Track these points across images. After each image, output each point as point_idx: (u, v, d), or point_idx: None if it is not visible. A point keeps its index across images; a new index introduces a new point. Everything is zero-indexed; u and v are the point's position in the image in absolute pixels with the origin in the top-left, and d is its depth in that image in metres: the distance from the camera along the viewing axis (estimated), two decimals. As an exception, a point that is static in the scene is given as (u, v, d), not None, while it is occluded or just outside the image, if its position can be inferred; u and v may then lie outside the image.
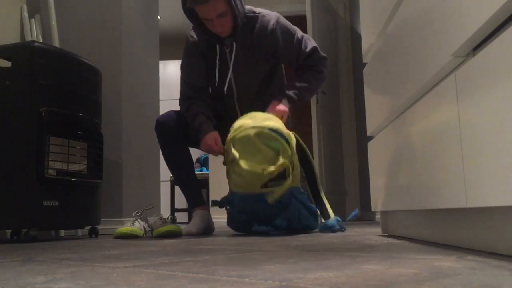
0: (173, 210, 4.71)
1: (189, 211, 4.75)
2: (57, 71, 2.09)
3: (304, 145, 1.97)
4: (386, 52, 1.37)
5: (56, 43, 2.71)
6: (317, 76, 2.11)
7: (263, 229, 1.79)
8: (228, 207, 1.92)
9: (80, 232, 2.57)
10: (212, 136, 1.94)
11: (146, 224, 2.12)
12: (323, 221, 1.95)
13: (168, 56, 5.70)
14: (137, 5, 3.10)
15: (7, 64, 2.02)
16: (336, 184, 4.20)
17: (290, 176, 1.73)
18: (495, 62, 0.69)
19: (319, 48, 2.12)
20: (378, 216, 2.39)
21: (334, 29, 4.62)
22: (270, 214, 1.78)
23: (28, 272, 0.78)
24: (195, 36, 2.11)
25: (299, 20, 4.65)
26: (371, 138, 1.67)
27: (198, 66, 2.10)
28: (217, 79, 2.07)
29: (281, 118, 1.93)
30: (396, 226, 1.51)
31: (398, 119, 1.25)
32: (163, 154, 2.14)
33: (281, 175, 1.73)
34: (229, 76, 2.06)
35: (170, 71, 5.90)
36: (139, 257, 1.01)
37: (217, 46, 2.04)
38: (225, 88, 2.06)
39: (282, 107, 1.99)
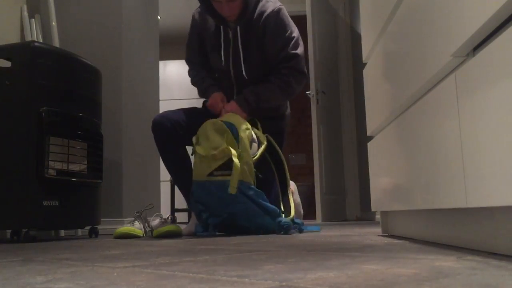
0: (173, 210, 4.70)
1: (189, 211, 4.75)
2: (57, 71, 2.09)
3: (277, 147, 2.02)
4: (386, 52, 1.37)
5: (56, 43, 2.71)
6: (285, 88, 2.05)
7: (199, 230, 1.83)
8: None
9: (80, 232, 2.57)
10: (221, 95, 2.04)
11: (146, 224, 2.12)
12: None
13: (168, 56, 5.70)
14: (137, 5, 3.10)
15: (7, 64, 2.02)
16: (336, 184, 4.20)
17: (238, 168, 1.76)
18: (495, 62, 0.69)
19: (302, 58, 2.06)
20: (378, 216, 2.39)
21: (334, 29, 4.62)
22: (218, 206, 1.80)
23: (28, 272, 0.78)
24: (197, 17, 2.16)
25: (299, 20, 4.66)
26: (371, 138, 1.67)
27: (195, 47, 2.20)
28: (223, 59, 2.09)
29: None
30: (396, 226, 1.51)
31: (398, 119, 1.25)
32: (161, 154, 2.14)
33: (227, 166, 1.78)
34: (230, 58, 2.08)
35: (170, 71, 5.90)
36: (139, 257, 1.01)
37: (221, 27, 2.06)
38: (229, 69, 2.09)
39: (236, 108, 2.01)
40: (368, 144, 1.69)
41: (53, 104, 2.02)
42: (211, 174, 1.80)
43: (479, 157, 0.75)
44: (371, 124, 1.62)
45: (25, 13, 2.70)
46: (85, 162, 2.17)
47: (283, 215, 1.92)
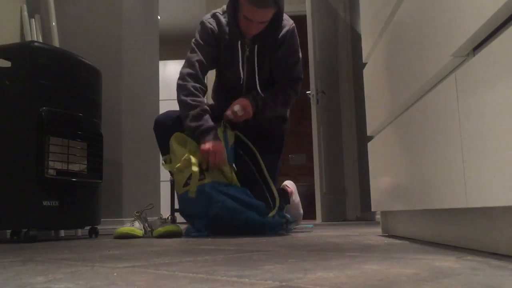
0: (173, 210, 4.69)
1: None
2: (57, 71, 2.09)
3: (246, 140, 2.05)
4: (386, 52, 1.37)
5: (56, 43, 2.71)
6: (284, 105, 2.10)
7: (192, 232, 1.85)
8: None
9: (80, 232, 2.56)
10: (220, 149, 1.86)
11: (146, 224, 2.12)
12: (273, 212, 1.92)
13: (168, 56, 5.69)
14: (137, 5, 3.10)
15: (7, 64, 2.02)
16: (336, 184, 4.20)
17: (196, 174, 1.82)
18: (495, 62, 0.69)
19: (300, 82, 2.12)
20: (378, 216, 2.39)
21: (334, 29, 4.62)
22: (200, 213, 1.84)
23: (28, 272, 0.78)
24: (214, 25, 2.04)
25: (299, 20, 4.66)
26: (371, 138, 1.67)
27: (211, 53, 2.04)
28: (241, 75, 2.04)
29: (241, 111, 1.95)
30: (396, 226, 1.51)
31: (398, 119, 1.25)
32: (162, 153, 2.15)
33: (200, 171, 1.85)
34: (245, 73, 2.06)
35: (170, 71, 5.90)
36: (139, 257, 1.01)
37: (239, 42, 2.01)
38: (244, 83, 2.07)
39: (249, 105, 1.98)
40: (368, 144, 1.69)
41: (53, 104, 2.02)
42: (186, 184, 1.85)
43: (479, 157, 0.75)
44: (371, 124, 1.62)
45: (25, 13, 2.70)
46: (85, 162, 2.16)
47: (273, 208, 1.90)
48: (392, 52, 1.29)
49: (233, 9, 1.96)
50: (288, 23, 2.04)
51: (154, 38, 3.39)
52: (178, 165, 1.86)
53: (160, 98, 3.46)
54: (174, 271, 0.73)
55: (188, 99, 1.93)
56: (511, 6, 0.66)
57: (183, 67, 2.04)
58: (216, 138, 1.88)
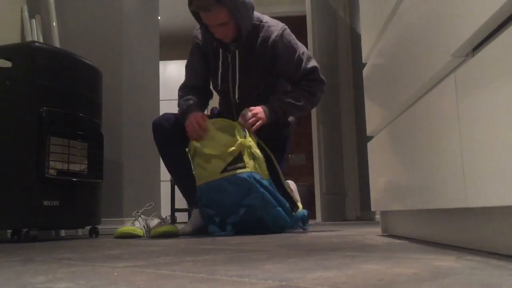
0: (173, 210, 4.70)
1: (189, 211, 4.74)
2: (57, 71, 2.09)
3: (263, 144, 2.01)
4: (386, 52, 1.37)
5: (56, 43, 2.71)
6: (309, 97, 2.04)
7: (215, 230, 1.83)
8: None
9: (80, 232, 2.57)
10: (198, 115, 1.90)
11: (145, 224, 2.12)
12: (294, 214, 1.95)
13: (168, 56, 5.69)
14: (137, 5, 3.10)
15: (7, 64, 2.02)
16: (336, 184, 4.20)
17: (248, 160, 1.80)
18: (494, 62, 0.69)
19: (319, 69, 2.06)
20: (377, 216, 2.39)
21: (334, 29, 4.62)
22: (234, 203, 1.80)
23: (29, 272, 0.78)
24: (199, 37, 2.10)
25: (299, 20, 4.66)
26: (371, 138, 1.67)
27: (197, 67, 2.12)
28: (219, 82, 2.07)
29: (254, 122, 1.90)
30: (396, 226, 1.51)
31: (398, 119, 1.25)
32: (161, 155, 2.16)
33: (238, 159, 1.81)
34: (229, 81, 2.05)
35: (170, 71, 5.90)
36: (139, 257, 1.01)
37: (220, 50, 2.04)
38: (228, 91, 2.06)
39: (261, 112, 1.94)
40: (368, 144, 1.69)
41: (53, 104, 2.02)
42: (224, 170, 1.81)
43: (479, 157, 0.75)
44: (371, 124, 1.63)
45: (26, 13, 2.70)
46: (86, 162, 2.17)
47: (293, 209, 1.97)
48: (392, 52, 1.29)
49: (198, 20, 1.98)
50: (276, 28, 2.01)
51: (154, 38, 3.39)
52: (233, 149, 1.80)
53: (160, 98, 3.46)
54: (174, 271, 0.73)
55: (180, 101, 2.06)
56: (511, 6, 0.66)
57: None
58: (192, 112, 1.94)
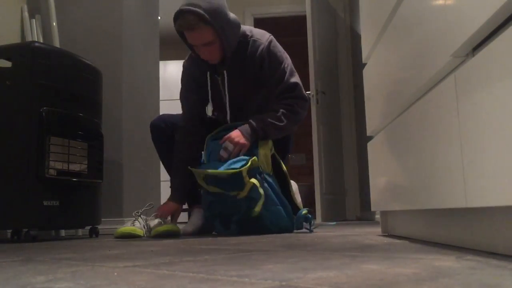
0: (173, 210, 4.70)
1: (189, 211, 4.74)
2: (57, 71, 2.09)
3: (274, 152, 2.00)
4: (386, 52, 1.37)
5: (56, 43, 2.71)
6: (292, 117, 1.97)
7: (220, 230, 1.83)
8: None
9: (80, 232, 2.57)
10: (170, 207, 2.01)
11: (145, 224, 2.12)
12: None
13: (168, 56, 5.69)
14: (137, 5, 3.10)
15: (7, 64, 2.02)
16: (336, 184, 4.20)
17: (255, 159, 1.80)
18: (494, 62, 0.69)
19: (301, 86, 2.02)
20: (377, 216, 2.39)
21: (334, 29, 4.63)
22: (234, 196, 1.78)
23: (29, 272, 0.78)
24: (188, 66, 2.09)
25: (299, 20, 4.66)
26: (371, 138, 1.67)
27: (194, 98, 2.09)
28: (212, 108, 2.09)
29: (237, 152, 1.86)
30: (396, 226, 1.51)
31: (398, 119, 1.25)
32: (159, 156, 2.18)
33: (246, 153, 1.83)
34: (225, 102, 2.03)
35: (170, 71, 5.90)
36: (139, 256, 1.01)
37: (208, 73, 2.01)
38: (223, 115, 2.05)
39: (240, 137, 1.87)
40: (368, 144, 1.69)
41: (53, 104, 2.02)
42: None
43: (479, 157, 0.75)
44: (371, 124, 1.63)
45: (26, 13, 2.70)
46: (86, 162, 2.17)
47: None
48: (392, 52, 1.29)
49: (185, 41, 1.94)
50: (262, 39, 1.97)
51: (154, 38, 3.39)
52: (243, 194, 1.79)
53: (160, 98, 3.46)
54: (174, 271, 0.73)
55: (176, 154, 2.07)
56: (511, 6, 0.66)
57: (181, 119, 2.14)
58: (171, 200, 2.04)
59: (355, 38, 4.45)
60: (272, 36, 2.01)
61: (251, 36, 1.98)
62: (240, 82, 1.99)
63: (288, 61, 2.01)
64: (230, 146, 1.84)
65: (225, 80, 1.99)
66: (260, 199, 1.76)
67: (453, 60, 0.85)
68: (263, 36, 1.99)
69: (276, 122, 1.92)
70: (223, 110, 2.06)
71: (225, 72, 1.98)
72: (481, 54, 0.74)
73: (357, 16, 4.31)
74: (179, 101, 2.16)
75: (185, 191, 2.05)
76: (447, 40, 0.86)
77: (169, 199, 2.05)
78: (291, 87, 1.97)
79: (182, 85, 2.13)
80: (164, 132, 2.10)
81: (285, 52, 2.04)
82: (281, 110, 1.95)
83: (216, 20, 1.80)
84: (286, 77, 1.97)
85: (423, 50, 1.01)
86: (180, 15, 1.80)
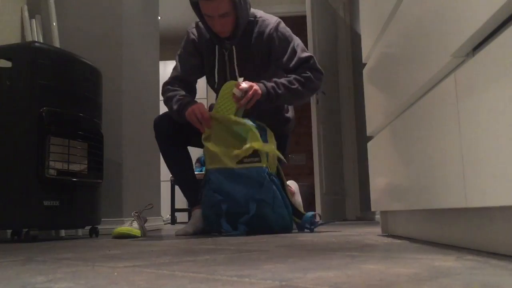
0: (173, 210, 4.71)
1: (189, 211, 4.74)
2: (57, 71, 2.09)
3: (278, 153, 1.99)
4: (386, 52, 1.37)
5: (57, 43, 2.71)
6: (304, 83, 1.96)
7: (228, 229, 1.82)
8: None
9: (80, 232, 2.57)
10: (199, 106, 1.90)
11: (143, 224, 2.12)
12: (298, 221, 1.96)
13: (168, 56, 5.69)
14: (137, 5, 3.10)
15: (7, 64, 2.02)
16: (336, 184, 4.20)
17: (265, 157, 1.81)
18: (495, 62, 0.69)
19: (315, 60, 2.04)
20: (378, 216, 2.39)
21: (334, 29, 4.63)
22: (245, 195, 1.80)
23: (29, 272, 0.78)
24: (196, 34, 2.10)
25: (299, 20, 4.65)
26: (371, 138, 1.67)
27: (192, 63, 2.11)
28: (216, 80, 2.07)
29: (250, 97, 1.86)
30: (396, 226, 1.51)
31: (398, 119, 1.25)
32: (162, 155, 2.16)
33: (255, 153, 1.81)
34: (228, 78, 2.04)
35: (170, 71, 5.91)
36: (140, 256, 1.01)
37: (216, 47, 2.04)
38: (218, 88, 2.04)
39: (256, 85, 1.88)
40: (368, 144, 1.69)
41: (53, 104, 2.02)
42: (241, 162, 1.81)
43: (479, 157, 0.75)
44: (371, 124, 1.63)
45: (26, 14, 2.70)
46: (86, 162, 2.17)
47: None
48: (392, 52, 1.29)
49: (197, 12, 1.97)
50: (271, 21, 2.01)
51: (154, 38, 3.39)
52: (237, 152, 1.80)
53: (160, 98, 3.46)
54: (174, 271, 0.73)
55: (169, 94, 2.04)
56: (511, 6, 0.66)
57: (168, 78, 2.14)
58: (193, 103, 1.94)
59: (355, 38, 4.44)
60: (280, 20, 2.05)
61: (260, 17, 2.03)
62: (248, 58, 2.02)
63: (297, 41, 2.04)
64: (245, 87, 1.86)
65: (234, 55, 2.01)
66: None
67: (453, 60, 0.85)
68: (271, 17, 2.04)
69: (287, 84, 1.94)
70: (214, 81, 2.07)
71: (233, 47, 2.00)
72: (481, 54, 0.74)
73: (357, 16, 4.31)
74: (163, 83, 2.14)
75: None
76: (447, 40, 0.86)
77: (189, 106, 1.92)
78: (305, 60, 2.00)
79: (182, 47, 2.14)
80: (169, 130, 2.10)
81: (293, 34, 2.07)
82: (293, 76, 1.98)
83: None
84: (298, 53, 2.00)
85: (423, 50, 1.01)
86: None
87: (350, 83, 4.58)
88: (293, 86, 1.94)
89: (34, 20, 2.72)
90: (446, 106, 0.88)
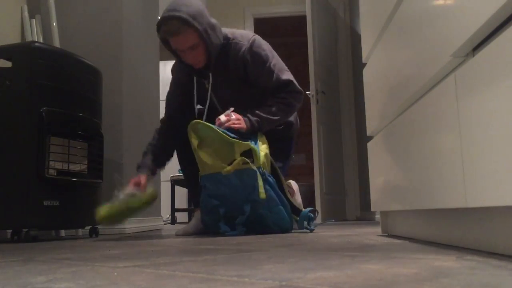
0: (173, 210, 4.71)
1: (189, 211, 4.75)
2: (57, 71, 2.09)
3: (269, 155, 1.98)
4: (386, 52, 1.37)
5: (56, 43, 2.71)
6: (286, 110, 2.01)
7: (227, 230, 1.82)
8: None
9: (80, 232, 2.56)
10: (138, 178, 1.98)
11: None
12: (297, 218, 1.96)
13: (168, 56, 5.67)
14: (137, 5, 3.10)
15: (7, 64, 2.02)
16: (336, 184, 4.20)
17: (257, 157, 1.81)
18: (494, 62, 0.69)
19: (295, 82, 2.02)
20: (378, 216, 2.39)
21: (334, 29, 4.63)
22: (239, 199, 1.80)
23: (29, 272, 0.78)
24: (177, 70, 2.14)
25: (299, 20, 4.66)
26: (371, 138, 1.67)
27: (173, 99, 2.17)
28: (196, 112, 2.09)
29: (234, 123, 1.88)
30: (396, 226, 1.51)
31: (398, 119, 1.25)
32: (176, 151, 2.18)
33: (247, 155, 1.81)
34: (206, 107, 2.06)
35: (170, 71, 5.91)
36: (140, 256, 1.01)
37: (194, 78, 2.05)
38: (204, 119, 2.03)
39: (242, 119, 1.91)
40: (368, 144, 1.69)
41: (53, 104, 2.02)
42: (230, 163, 1.81)
43: (479, 157, 0.75)
44: (371, 124, 1.63)
45: (26, 13, 2.70)
46: (86, 162, 2.17)
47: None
48: (392, 52, 1.29)
49: (169, 49, 1.97)
50: (243, 41, 1.98)
51: (154, 38, 3.39)
52: (228, 168, 1.80)
53: (160, 98, 3.46)
54: (174, 271, 0.73)
55: (150, 141, 2.17)
56: (511, 6, 0.66)
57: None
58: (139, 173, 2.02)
59: (355, 38, 4.45)
60: (256, 36, 2.02)
61: (233, 39, 1.99)
62: (226, 84, 2.02)
63: (274, 60, 2.01)
64: (232, 116, 1.89)
65: (210, 82, 2.02)
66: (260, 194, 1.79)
67: (453, 60, 0.85)
68: (244, 37, 2.00)
69: (270, 117, 1.96)
70: (206, 114, 2.08)
71: (210, 75, 2.01)
72: (481, 54, 0.74)
73: (357, 16, 4.31)
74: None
75: (154, 166, 2.09)
76: (447, 40, 0.86)
77: (139, 170, 2.07)
78: (284, 84, 1.99)
79: (169, 88, 2.21)
80: (173, 128, 2.12)
81: (271, 50, 2.03)
82: (275, 103, 1.98)
83: (199, 23, 1.83)
84: (275, 76, 1.98)
85: (423, 50, 1.01)
86: (163, 22, 1.83)
87: (350, 83, 4.58)
88: (275, 118, 1.98)
89: (34, 20, 2.72)
90: (446, 106, 0.88)
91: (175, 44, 1.90)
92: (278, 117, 1.99)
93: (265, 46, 2.01)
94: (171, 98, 2.19)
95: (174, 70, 2.17)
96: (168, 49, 1.98)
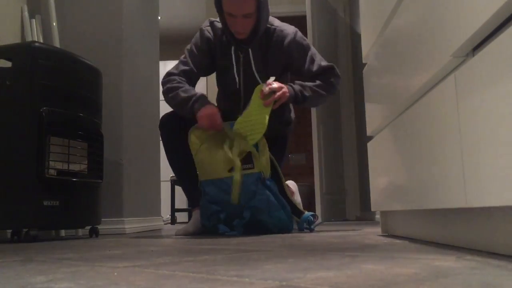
0: (173, 210, 4.71)
1: (189, 211, 4.74)
2: (57, 71, 2.09)
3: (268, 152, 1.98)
4: (386, 52, 1.37)
5: (57, 43, 2.71)
6: (328, 88, 2.06)
7: (226, 230, 1.82)
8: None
9: (80, 232, 2.57)
10: (213, 114, 1.88)
11: None
12: (298, 220, 1.96)
13: (168, 56, 5.70)
14: (137, 5, 3.10)
15: (7, 64, 2.02)
16: (336, 184, 4.20)
17: (258, 161, 1.81)
18: (494, 62, 0.69)
19: (335, 67, 2.11)
20: (378, 216, 2.39)
21: (334, 29, 4.62)
22: (239, 205, 1.80)
23: (29, 272, 0.78)
24: (211, 32, 2.07)
25: (299, 20, 4.65)
26: (371, 138, 1.67)
27: (203, 60, 2.08)
28: (231, 81, 2.06)
29: (278, 98, 1.88)
30: (396, 226, 1.51)
31: (398, 119, 1.25)
32: (166, 152, 2.15)
33: (248, 160, 1.81)
34: (241, 81, 2.05)
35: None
36: (140, 256, 1.01)
37: (232, 48, 2.03)
38: (239, 90, 2.05)
39: (285, 87, 1.93)
40: (368, 144, 1.69)
41: (53, 104, 2.02)
42: (232, 169, 1.81)
43: (479, 157, 0.75)
44: (371, 124, 1.63)
45: (26, 13, 2.70)
46: (86, 162, 2.17)
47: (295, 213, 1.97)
48: (392, 52, 1.29)
49: (218, 9, 1.96)
50: (289, 31, 2.03)
51: (154, 38, 3.39)
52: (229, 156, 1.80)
53: (160, 98, 3.46)
54: (174, 271, 0.73)
55: (174, 84, 1.98)
56: (511, 6, 0.66)
57: (172, 68, 2.08)
58: (208, 103, 1.90)
59: (355, 38, 4.44)
60: (297, 29, 2.10)
61: (278, 26, 2.05)
62: (262, 65, 2.04)
63: (313, 50, 2.11)
64: (274, 87, 1.89)
65: (251, 58, 2.02)
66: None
67: (453, 60, 0.85)
68: (288, 28, 2.07)
69: (315, 88, 2.01)
70: (241, 86, 2.05)
71: (250, 50, 2.01)
72: (481, 54, 0.74)
73: (357, 16, 4.31)
74: (167, 73, 2.08)
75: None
76: (447, 40, 0.86)
77: (202, 105, 1.90)
78: (328, 68, 2.08)
79: (193, 44, 2.09)
80: (177, 129, 2.09)
81: (309, 43, 2.13)
82: (318, 81, 2.04)
83: None
84: (317, 61, 2.06)
85: (423, 50, 1.01)
86: None
87: (350, 83, 4.58)
88: (319, 90, 2.02)
89: (34, 20, 2.72)
90: (446, 106, 0.88)
91: (230, 7, 1.87)
92: (321, 90, 2.02)
93: (305, 37, 2.11)
94: (197, 55, 2.06)
95: (208, 28, 2.07)
96: (218, 10, 1.95)
